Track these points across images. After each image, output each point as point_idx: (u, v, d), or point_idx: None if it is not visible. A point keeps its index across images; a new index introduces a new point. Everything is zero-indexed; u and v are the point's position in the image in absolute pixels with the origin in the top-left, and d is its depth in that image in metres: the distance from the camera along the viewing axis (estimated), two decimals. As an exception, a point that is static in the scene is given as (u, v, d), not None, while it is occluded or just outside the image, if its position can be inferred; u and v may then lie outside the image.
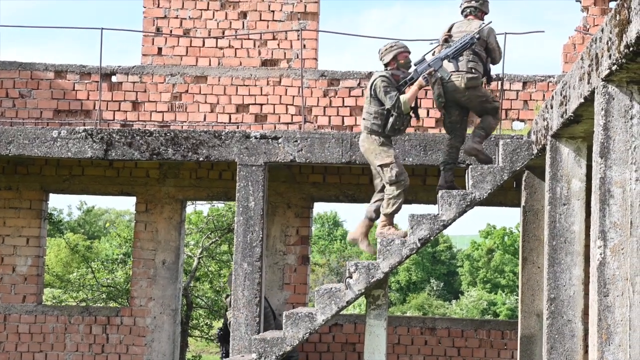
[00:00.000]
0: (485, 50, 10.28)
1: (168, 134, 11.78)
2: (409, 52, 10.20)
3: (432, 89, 10.18)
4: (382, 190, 10.11)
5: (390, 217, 10.02)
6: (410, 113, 10.02)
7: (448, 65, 10.08)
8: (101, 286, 23.51)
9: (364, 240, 10.24)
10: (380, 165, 9.93)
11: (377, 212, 10.17)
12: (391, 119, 9.88)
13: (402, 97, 9.84)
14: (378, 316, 10.12)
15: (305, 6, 13.66)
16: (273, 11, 13.70)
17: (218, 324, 26.00)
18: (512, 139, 10.48)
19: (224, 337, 13.24)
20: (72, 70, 13.81)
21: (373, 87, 9.98)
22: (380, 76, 9.97)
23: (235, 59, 13.70)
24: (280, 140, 11.60)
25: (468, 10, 10.56)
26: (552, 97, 8.49)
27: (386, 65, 10.17)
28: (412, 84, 9.93)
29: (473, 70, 10.15)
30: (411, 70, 10.07)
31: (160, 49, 13.80)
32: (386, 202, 9.95)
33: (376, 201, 10.19)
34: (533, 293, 10.41)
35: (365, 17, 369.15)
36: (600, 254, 6.06)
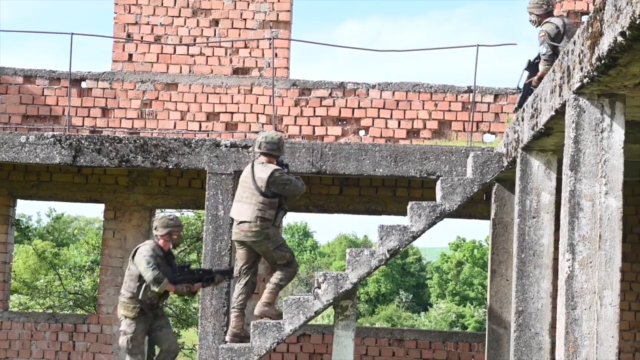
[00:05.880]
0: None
1: (137, 141, 11.70)
2: None
3: None
4: None
5: None
6: None
7: None
8: (68, 293, 23.37)
9: None
10: None
11: None
12: None
13: None
14: (346, 327, 10.09)
15: (278, 15, 13.63)
16: (245, 19, 13.66)
17: (187, 333, 25.87)
18: (482, 151, 10.49)
19: None
20: (41, 75, 13.71)
21: None
22: None
23: (207, 66, 13.64)
24: (250, 149, 11.55)
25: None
26: (523, 109, 8.49)
27: None
28: None
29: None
30: None
31: (130, 56, 13.72)
32: None
33: None
34: (501, 305, 10.41)
35: (343, 29, 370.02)
36: (569, 267, 6.05)
